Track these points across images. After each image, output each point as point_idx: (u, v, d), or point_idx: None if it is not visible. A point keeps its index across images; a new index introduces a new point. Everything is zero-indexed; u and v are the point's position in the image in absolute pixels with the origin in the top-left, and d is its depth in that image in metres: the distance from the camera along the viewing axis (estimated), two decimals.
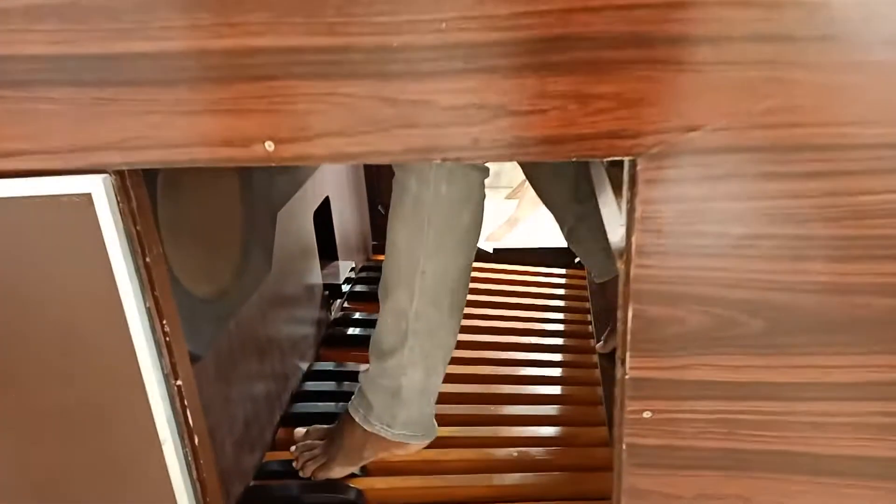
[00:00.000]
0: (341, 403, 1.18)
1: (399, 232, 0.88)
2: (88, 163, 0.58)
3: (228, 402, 0.96)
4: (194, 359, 0.82)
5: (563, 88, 0.51)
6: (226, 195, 0.97)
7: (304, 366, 1.28)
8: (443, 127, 0.53)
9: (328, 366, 1.31)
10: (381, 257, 1.78)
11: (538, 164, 1.18)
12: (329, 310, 1.44)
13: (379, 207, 1.78)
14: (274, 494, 0.99)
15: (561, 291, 1.58)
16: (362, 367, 1.26)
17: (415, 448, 0.98)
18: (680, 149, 0.52)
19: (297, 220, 1.26)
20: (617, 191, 0.65)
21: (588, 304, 1.49)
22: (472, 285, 1.58)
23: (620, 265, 0.59)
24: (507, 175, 3.03)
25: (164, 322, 0.66)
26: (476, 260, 1.73)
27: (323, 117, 0.54)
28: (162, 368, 0.66)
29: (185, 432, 0.70)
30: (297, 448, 1.03)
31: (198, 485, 0.73)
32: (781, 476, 0.64)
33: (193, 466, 0.72)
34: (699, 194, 0.53)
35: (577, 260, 1.70)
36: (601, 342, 1.26)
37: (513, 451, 1.08)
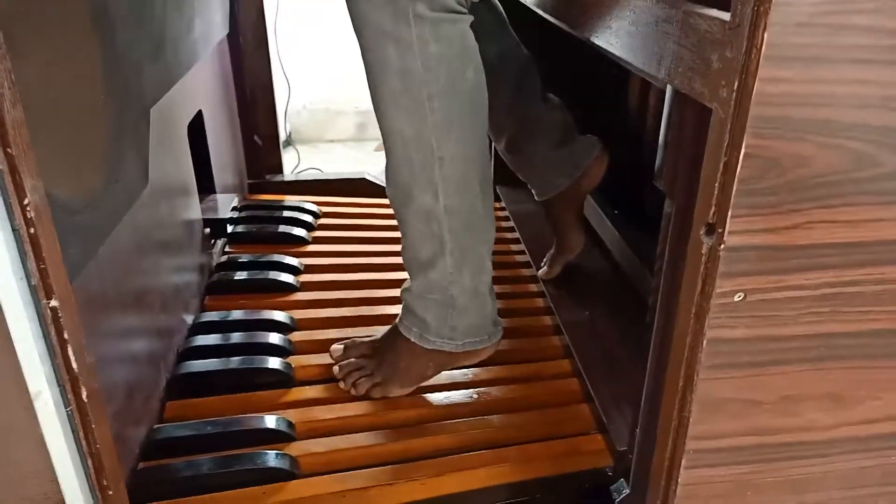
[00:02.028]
0: (235, 358, 0.94)
1: (396, 119, 0.72)
2: None
3: (105, 362, 0.70)
4: None
5: None
6: (86, 72, 0.69)
7: (190, 319, 1.01)
8: None
9: (215, 316, 1.05)
10: (260, 196, 1.54)
11: None
12: (210, 252, 1.17)
13: (255, 138, 1.51)
14: (177, 475, 0.74)
15: None
16: (266, 313, 1.04)
17: (485, 353, 0.88)
18: None
19: (171, 130, 0.98)
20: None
21: (508, 235, 1.35)
22: (382, 223, 1.40)
23: (724, 90, 0.43)
24: (374, 126, 2.83)
25: (27, 203, 0.41)
26: (380, 196, 1.54)
27: None
28: (27, 276, 0.41)
29: (66, 382, 0.45)
30: (341, 366, 0.91)
31: (88, 461, 0.48)
32: (881, 363, 0.52)
33: (81, 434, 0.47)
34: None
35: None
36: (544, 268, 1.12)
37: (472, 394, 0.90)
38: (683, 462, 0.55)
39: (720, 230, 0.46)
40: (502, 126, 1.05)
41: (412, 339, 0.86)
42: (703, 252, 0.48)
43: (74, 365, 0.45)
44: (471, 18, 0.72)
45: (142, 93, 0.83)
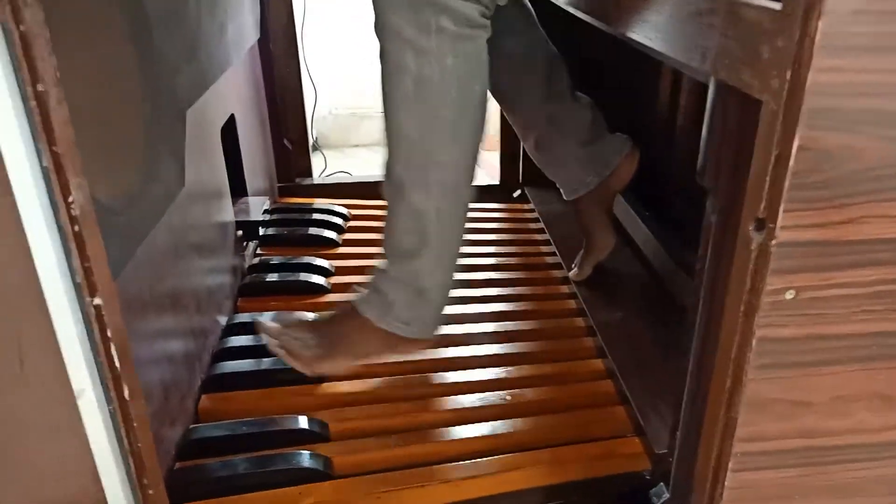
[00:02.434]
0: (268, 359, 0.94)
1: (405, 121, 0.74)
2: None
3: (142, 362, 0.70)
4: None
5: None
6: (123, 72, 0.70)
7: (224, 320, 1.02)
8: None
9: (247, 318, 1.05)
10: (290, 199, 1.55)
11: (507, 56, 0.99)
12: (243, 254, 1.18)
13: (285, 142, 1.52)
14: (213, 475, 0.75)
15: (504, 226, 1.41)
16: (298, 314, 1.04)
17: (424, 345, 0.89)
18: None
19: (206, 134, 0.99)
20: None
21: (538, 236, 1.34)
22: None
23: (775, 81, 0.42)
24: None
25: (72, 201, 0.41)
26: None
27: None
28: (72, 273, 0.41)
29: (109, 380, 0.45)
30: (278, 334, 0.90)
31: (130, 459, 0.48)
32: None
33: (123, 432, 0.47)
34: None
35: (515, 194, 1.56)
36: (575, 269, 1.11)
37: (505, 396, 0.90)
38: (730, 465, 0.53)
39: (771, 225, 0.45)
40: (530, 124, 1.04)
41: (368, 316, 0.84)
42: (752, 248, 0.46)
43: (117, 363, 0.45)
44: (489, 33, 0.73)
45: (178, 94, 0.84)
